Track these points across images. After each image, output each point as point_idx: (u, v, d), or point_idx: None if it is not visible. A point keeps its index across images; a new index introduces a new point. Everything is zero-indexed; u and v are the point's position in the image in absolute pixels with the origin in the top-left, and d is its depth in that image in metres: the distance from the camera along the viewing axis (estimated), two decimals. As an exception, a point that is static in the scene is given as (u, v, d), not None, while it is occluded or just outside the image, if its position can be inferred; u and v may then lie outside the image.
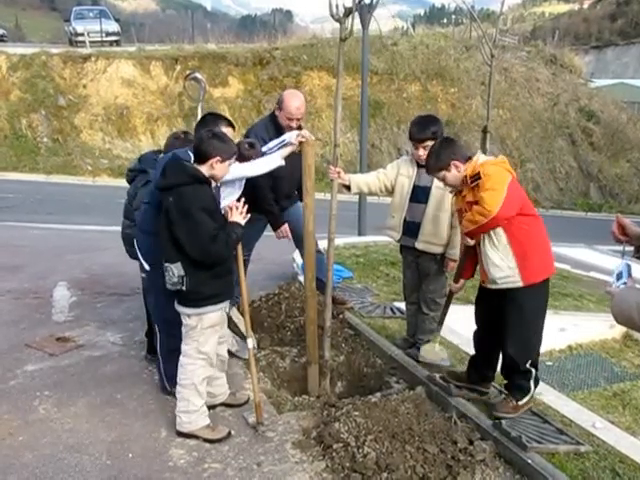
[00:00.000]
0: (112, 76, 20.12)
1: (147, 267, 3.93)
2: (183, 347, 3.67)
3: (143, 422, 3.88)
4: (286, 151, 4.32)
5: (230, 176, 3.84)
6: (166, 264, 3.47)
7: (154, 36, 29.88)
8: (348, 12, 4.19)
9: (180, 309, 3.60)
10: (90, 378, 4.43)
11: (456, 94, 22.35)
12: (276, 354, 4.84)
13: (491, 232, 3.53)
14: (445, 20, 50.28)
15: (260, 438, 3.71)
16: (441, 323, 4.30)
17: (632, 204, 21.81)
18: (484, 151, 8.00)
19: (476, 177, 3.47)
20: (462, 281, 4.03)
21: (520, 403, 3.72)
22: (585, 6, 49.62)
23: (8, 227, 10.03)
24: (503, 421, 3.64)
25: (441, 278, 4.51)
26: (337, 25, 4.26)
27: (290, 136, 4.35)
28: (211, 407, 3.90)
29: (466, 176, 3.56)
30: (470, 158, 3.64)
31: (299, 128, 4.76)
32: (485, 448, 3.49)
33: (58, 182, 16.93)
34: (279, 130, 4.77)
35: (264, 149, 4.37)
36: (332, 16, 4.20)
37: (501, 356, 3.82)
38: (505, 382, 3.90)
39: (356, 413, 3.76)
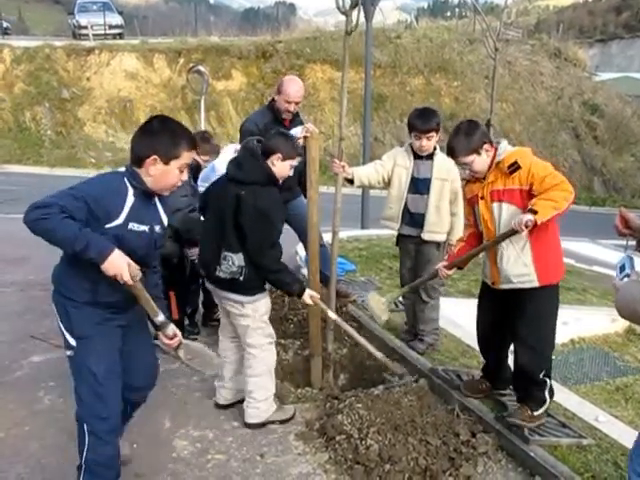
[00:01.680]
0: (115, 69, 20.11)
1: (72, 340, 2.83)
2: (248, 340, 3.68)
3: (147, 413, 3.88)
4: None
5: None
6: (226, 253, 3.47)
7: (157, 29, 29.85)
8: (354, 4, 4.18)
9: (236, 297, 3.58)
10: (95, 370, 4.45)
11: (459, 88, 22.29)
12: (279, 346, 4.85)
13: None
14: (449, 13, 50.10)
15: (263, 429, 3.74)
16: (412, 291, 4.36)
17: (636, 198, 21.78)
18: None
19: (514, 165, 3.29)
20: (453, 270, 3.80)
21: (536, 414, 3.52)
22: (590, -1, 49.37)
23: (12, 219, 10.01)
24: (505, 413, 3.64)
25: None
26: (340, 18, 4.26)
27: (296, 132, 4.38)
28: (236, 403, 3.97)
29: (498, 162, 3.37)
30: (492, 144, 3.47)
31: (296, 114, 4.92)
32: (487, 441, 3.51)
33: (62, 175, 16.92)
34: (276, 116, 4.88)
35: None
36: (338, 8, 4.20)
37: (512, 367, 3.69)
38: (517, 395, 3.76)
39: (359, 405, 3.78)
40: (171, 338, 2.88)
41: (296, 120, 4.93)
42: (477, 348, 4.13)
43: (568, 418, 3.78)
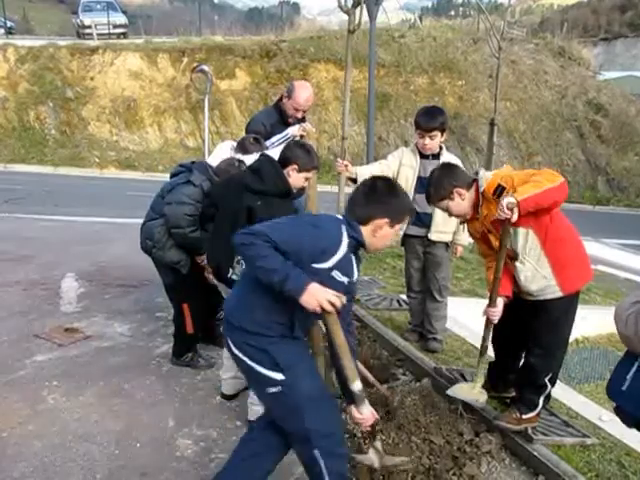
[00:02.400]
0: (119, 68, 20.11)
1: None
2: None
3: (151, 412, 3.92)
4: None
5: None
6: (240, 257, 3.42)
7: (161, 28, 29.81)
8: (357, 4, 4.18)
9: None
10: (98, 368, 4.46)
11: (463, 87, 22.23)
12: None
13: (526, 243, 3.31)
14: (453, 12, 50.05)
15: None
16: (483, 353, 3.66)
17: (640, 197, 21.70)
18: (491, 144, 7.98)
19: (499, 189, 3.24)
20: (500, 302, 3.43)
21: (524, 417, 3.51)
22: (594, -2, 49.19)
23: (16, 219, 10.07)
24: (493, 415, 3.63)
25: (448, 264, 4.59)
26: (344, 17, 4.27)
27: (293, 130, 4.41)
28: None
29: (483, 193, 3.33)
30: (473, 182, 3.40)
31: (303, 119, 4.86)
32: (491, 440, 3.51)
33: (66, 174, 16.98)
34: (282, 118, 4.83)
35: (267, 143, 4.41)
36: (340, 8, 4.20)
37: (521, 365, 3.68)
38: (513, 394, 3.78)
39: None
40: (362, 416, 2.69)
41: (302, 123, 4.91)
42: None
43: (572, 417, 3.78)
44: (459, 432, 3.57)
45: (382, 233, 2.69)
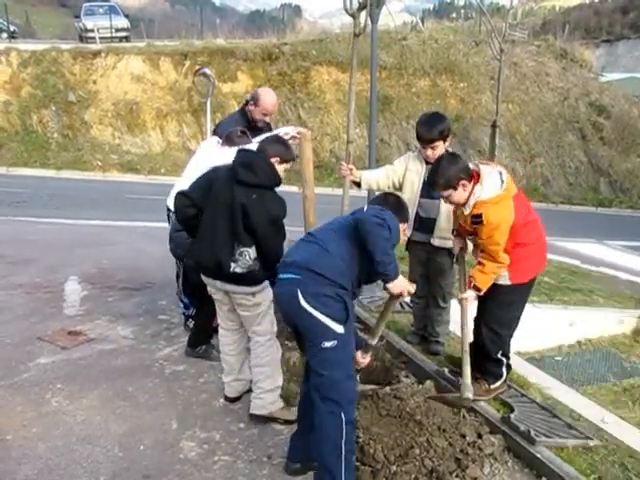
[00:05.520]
0: (122, 72, 20.16)
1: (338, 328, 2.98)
2: (256, 328, 3.80)
3: (154, 415, 3.92)
4: None
5: (224, 161, 3.92)
6: (243, 249, 3.54)
7: (163, 32, 29.92)
8: (362, 7, 4.19)
9: (247, 289, 3.65)
10: (101, 371, 4.47)
11: (465, 89, 22.24)
12: (285, 348, 4.86)
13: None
14: (454, 14, 50.06)
15: (270, 431, 3.75)
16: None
17: (643, 199, 21.70)
18: (493, 146, 7.98)
19: (478, 218, 3.58)
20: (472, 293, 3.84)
21: (492, 387, 3.92)
22: (596, -1, 49.21)
23: (19, 222, 10.10)
24: (512, 415, 3.65)
25: (452, 270, 4.57)
26: (345, 20, 4.30)
27: (287, 130, 4.45)
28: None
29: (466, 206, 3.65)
30: (475, 175, 3.61)
31: (268, 124, 5.08)
32: (494, 442, 3.51)
33: (68, 177, 17.01)
34: (249, 122, 5.01)
35: (257, 140, 4.46)
36: (346, 11, 4.21)
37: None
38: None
39: (365, 406, 3.78)
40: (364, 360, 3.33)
41: (267, 126, 5.08)
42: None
43: (575, 419, 3.78)
44: (462, 434, 3.57)
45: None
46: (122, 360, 4.69)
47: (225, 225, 3.55)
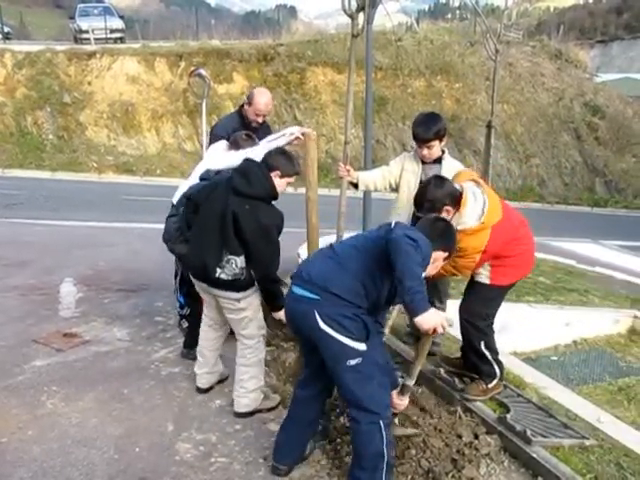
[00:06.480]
0: (117, 73, 20.12)
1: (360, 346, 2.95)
2: (243, 332, 3.87)
3: (150, 417, 3.92)
4: (281, 142, 4.48)
5: (229, 164, 4.01)
6: (231, 257, 3.58)
7: (158, 33, 29.83)
8: (361, 7, 4.18)
9: (232, 295, 3.72)
10: (97, 373, 4.46)
11: (461, 89, 22.27)
12: (281, 349, 4.87)
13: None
14: (449, 15, 50.07)
15: (266, 432, 3.74)
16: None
17: (638, 199, 21.72)
18: (489, 147, 7.98)
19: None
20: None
21: (490, 386, 3.93)
22: (590, 0, 49.29)
23: (14, 224, 10.07)
24: (508, 415, 3.65)
25: None
26: (341, 21, 4.30)
27: (292, 130, 4.47)
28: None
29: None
30: (459, 199, 3.57)
31: (264, 122, 5.10)
32: (490, 442, 3.51)
33: (63, 179, 16.97)
34: (245, 123, 5.04)
35: (264, 141, 4.48)
36: (345, 11, 4.20)
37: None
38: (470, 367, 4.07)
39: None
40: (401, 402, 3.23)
41: (264, 127, 5.10)
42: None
43: (570, 419, 3.78)
44: (458, 434, 3.57)
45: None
46: (118, 362, 4.68)
47: (216, 231, 3.60)
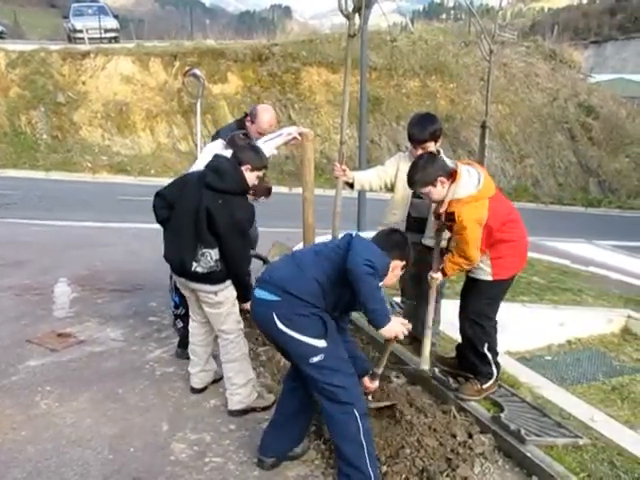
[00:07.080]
0: (111, 73, 20.08)
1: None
2: (222, 327, 3.91)
3: (144, 417, 3.91)
4: (279, 141, 4.51)
5: None
6: (205, 250, 3.66)
7: (153, 32, 29.82)
8: (357, 8, 4.18)
9: (209, 288, 3.78)
10: (91, 373, 4.46)
11: (455, 90, 22.31)
12: (274, 349, 4.86)
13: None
14: (444, 16, 50.22)
15: (260, 432, 3.74)
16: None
17: (631, 199, 21.83)
18: (483, 147, 8.00)
19: (451, 216, 3.65)
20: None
21: (484, 387, 3.95)
22: (584, 1, 49.46)
23: (8, 224, 10.04)
24: (502, 414, 3.67)
25: None
26: (336, 21, 4.31)
27: (289, 130, 4.47)
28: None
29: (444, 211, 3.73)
30: (453, 173, 3.64)
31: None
32: (484, 441, 3.52)
33: (58, 179, 16.93)
34: (245, 135, 4.91)
35: (261, 141, 4.46)
36: (341, 11, 4.20)
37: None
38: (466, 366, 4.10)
39: (356, 407, 3.78)
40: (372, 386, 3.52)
41: None
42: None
43: (564, 418, 3.80)
44: (452, 434, 3.58)
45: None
46: (112, 362, 4.67)
47: (190, 226, 3.68)
